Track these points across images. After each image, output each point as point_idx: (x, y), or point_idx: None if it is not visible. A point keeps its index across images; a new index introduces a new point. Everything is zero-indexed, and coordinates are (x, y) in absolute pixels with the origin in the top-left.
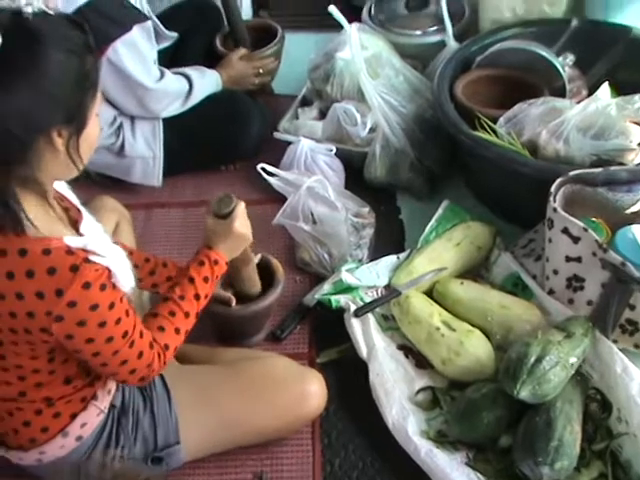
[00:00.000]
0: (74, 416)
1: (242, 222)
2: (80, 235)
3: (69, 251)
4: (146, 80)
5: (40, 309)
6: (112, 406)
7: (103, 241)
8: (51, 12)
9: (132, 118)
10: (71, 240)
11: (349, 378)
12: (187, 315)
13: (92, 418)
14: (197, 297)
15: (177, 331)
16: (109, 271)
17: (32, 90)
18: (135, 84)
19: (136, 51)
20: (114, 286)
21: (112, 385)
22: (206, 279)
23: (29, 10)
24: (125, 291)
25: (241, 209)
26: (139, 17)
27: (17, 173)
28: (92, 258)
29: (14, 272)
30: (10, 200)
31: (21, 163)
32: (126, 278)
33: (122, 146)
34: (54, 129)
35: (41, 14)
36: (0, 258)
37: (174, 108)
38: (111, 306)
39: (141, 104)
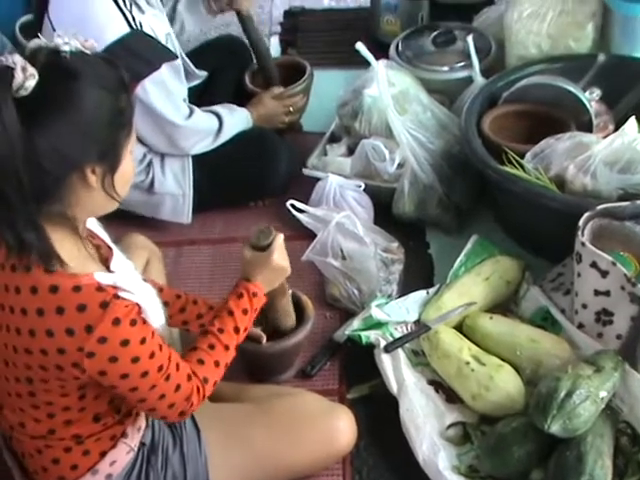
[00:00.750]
0: (103, 454)
1: (280, 254)
2: (110, 272)
3: (99, 288)
4: (175, 118)
5: (71, 345)
6: (142, 444)
7: (133, 278)
8: (88, 52)
9: (162, 155)
10: (101, 277)
11: (379, 414)
12: (227, 348)
13: (122, 456)
14: (237, 330)
15: (217, 364)
16: (139, 307)
17: (66, 126)
18: (164, 122)
19: (165, 89)
20: (144, 321)
21: (142, 423)
22: (245, 311)
23: (66, 49)
24: (155, 327)
25: (280, 241)
26: (168, 56)
27: (49, 209)
28: (122, 294)
29: (44, 309)
30: (40, 236)
31: (53, 199)
32: (156, 315)
33: (152, 183)
34: (88, 166)
35: (78, 53)
36: (31, 295)
37: (204, 145)
38: (143, 341)
39: (171, 142)
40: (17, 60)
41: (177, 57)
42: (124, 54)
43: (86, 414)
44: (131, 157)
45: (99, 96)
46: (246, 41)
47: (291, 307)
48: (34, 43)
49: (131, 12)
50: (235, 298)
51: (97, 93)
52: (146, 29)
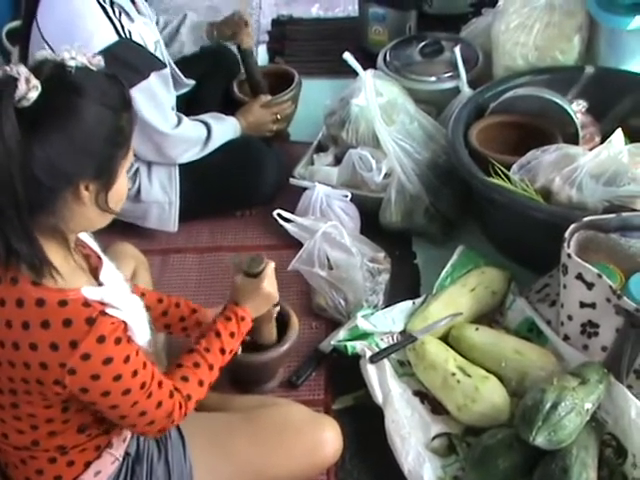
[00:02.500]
0: (88, 464)
1: (270, 282)
2: (99, 284)
3: (86, 303)
4: (163, 126)
5: (54, 360)
6: (126, 454)
7: (122, 292)
8: (93, 68)
9: (149, 164)
10: (89, 292)
11: (365, 425)
12: (211, 368)
13: (106, 466)
14: (222, 351)
15: (200, 383)
16: (125, 325)
17: (65, 141)
18: (152, 130)
19: (153, 98)
20: (129, 339)
21: (127, 433)
22: (232, 334)
23: (72, 64)
24: (140, 344)
25: (271, 269)
26: (157, 64)
27: (41, 221)
28: (109, 311)
29: (30, 322)
30: (33, 246)
31: (46, 212)
32: (142, 332)
33: (138, 191)
34: (82, 182)
35: (83, 69)
36: (17, 308)
37: (192, 154)
38: (126, 359)
39: (158, 150)
40: (22, 71)
41: (166, 66)
42: (112, 62)
43: (70, 425)
44: (125, 176)
45: (100, 113)
46: (234, 49)
47: (275, 330)
48: (40, 55)
49: (120, 21)
50: (223, 320)
51: (98, 110)
52: (135, 37)
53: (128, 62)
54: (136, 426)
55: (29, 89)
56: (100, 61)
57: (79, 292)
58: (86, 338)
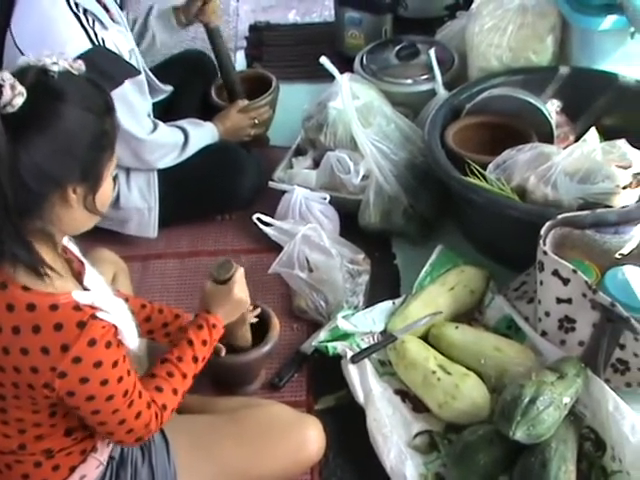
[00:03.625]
0: (73, 469)
1: (241, 287)
2: (84, 288)
3: (76, 307)
4: (139, 132)
5: (44, 364)
6: (111, 458)
7: (108, 295)
8: (75, 72)
9: (127, 170)
10: (79, 296)
11: (347, 424)
12: (184, 376)
13: (91, 470)
14: (195, 359)
15: (175, 392)
16: (115, 328)
17: (50, 145)
18: (129, 136)
19: (127, 104)
20: (119, 344)
21: None
22: (204, 342)
23: (54, 69)
24: (131, 347)
25: (240, 275)
26: (131, 71)
27: (30, 225)
28: (99, 315)
29: (20, 327)
30: (28, 249)
31: (35, 215)
32: (131, 335)
33: (117, 198)
34: (70, 185)
35: (66, 74)
36: (7, 313)
37: (170, 159)
38: (115, 364)
39: (136, 156)
40: (6, 77)
41: (140, 73)
42: (86, 70)
43: (57, 429)
44: (111, 179)
45: (84, 117)
46: (212, 54)
47: (249, 333)
48: (23, 61)
49: (93, 28)
50: (195, 329)
51: (82, 114)
52: (109, 45)
53: (102, 69)
54: (114, 434)
55: (14, 95)
56: (81, 65)
57: (70, 296)
58: (77, 342)
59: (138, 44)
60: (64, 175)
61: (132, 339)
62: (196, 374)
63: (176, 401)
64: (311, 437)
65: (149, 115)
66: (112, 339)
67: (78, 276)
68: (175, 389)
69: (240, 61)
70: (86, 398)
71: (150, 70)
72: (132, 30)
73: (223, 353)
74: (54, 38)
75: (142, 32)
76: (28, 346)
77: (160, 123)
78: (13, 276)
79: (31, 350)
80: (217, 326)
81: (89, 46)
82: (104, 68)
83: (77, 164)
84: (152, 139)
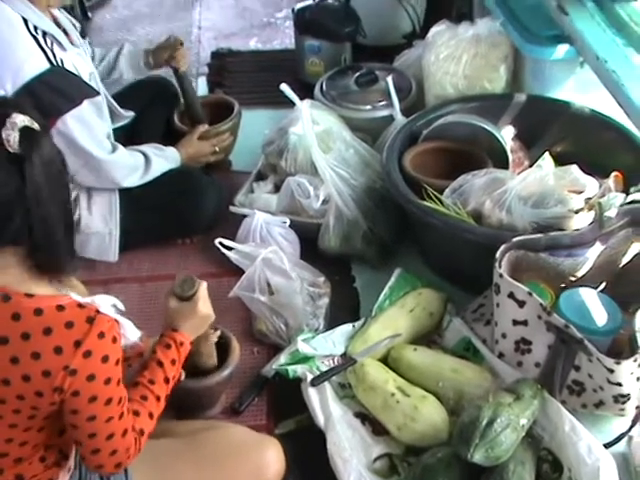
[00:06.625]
0: None
1: (205, 303)
2: None
3: (80, 305)
4: (97, 152)
5: (57, 364)
6: None
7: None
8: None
9: (88, 192)
10: (77, 296)
11: (308, 448)
12: (158, 399)
13: None
14: (167, 380)
15: (151, 416)
16: (117, 323)
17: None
18: (88, 156)
19: (87, 125)
20: (119, 342)
21: (71, 463)
22: (173, 362)
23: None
24: (133, 340)
25: (203, 289)
26: (90, 92)
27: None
28: (102, 310)
29: (30, 332)
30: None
31: None
32: (131, 327)
33: (78, 222)
34: None
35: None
36: (13, 322)
37: (133, 180)
38: (117, 362)
39: (95, 175)
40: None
41: (99, 93)
42: (44, 89)
43: (37, 451)
44: None
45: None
46: (173, 80)
47: (214, 349)
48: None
49: (52, 50)
50: (163, 348)
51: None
52: (68, 66)
53: (61, 89)
54: (99, 451)
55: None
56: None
57: (70, 297)
58: (88, 336)
59: (104, 79)
60: None
61: (132, 332)
62: (167, 395)
63: (152, 425)
64: (270, 458)
65: (109, 137)
66: (116, 334)
67: None
68: (151, 412)
69: (202, 87)
70: (89, 399)
71: (113, 96)
72: (99, 63)
73: (183, 377)
74: (12, 59)
75: (110, 69)
76: (40, 349)
77: (120, 146)
78: (17, 285)
79: (43, 353)
80: (184, 343)
81: (47, 66)
82: (63, 88)
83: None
84: (111, 159)
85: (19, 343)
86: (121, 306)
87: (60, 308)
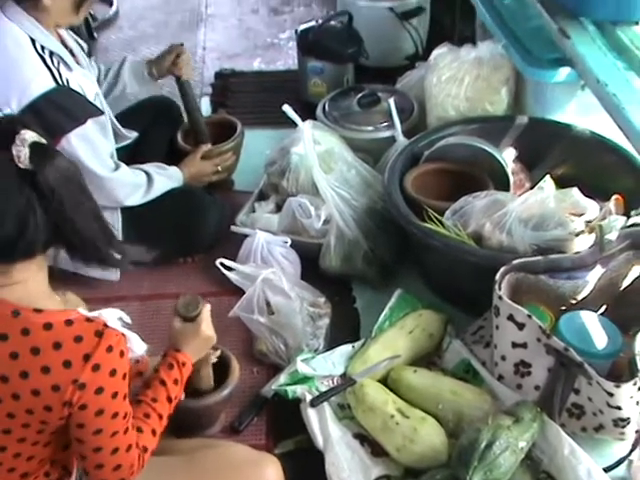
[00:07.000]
0: None
1: (208, 324)
2: None
3: (88, 319)
4: (100, 171)
5: (66, 378)
6: None
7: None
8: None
9: None
10: (84, 311)
11: (307, 468)
12: (161, 417)
13: None
14: (169, 399)
15: (154, 433)
16: (125, 337)
17: None
18: (91, 175)
19: (90, 143)
20: (126, 355)
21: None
22: (176, 381)
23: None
24: (139, 353)
25: (207, 311)
26: (94, 111)
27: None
28: (109, 324)
29: (40, 347)
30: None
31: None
32: (138, 342)
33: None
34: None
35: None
36: (23, 337)
37: (135, 199)
38: (124, 377)
39: (99, 192)
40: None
41: (103, 113)
42: (49, 107)
43: (42, 466)
44: None
45: None
46: (177, 100)
47: (211, 372)
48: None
49: (58, 69)
50: (166, 368)
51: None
52: (73, 86)
53: (66, 108)
54: (103, 467)
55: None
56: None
57: (77, 312)
58: (97, 349)
59: (108, 93)
60: None
61: (139, 345)
62: (170, 414)
63: (155, 443)
64: (270, 476)
65: (112, 156)
66: (124, 348)
67: None
68: (154, 430)
69: (205, 107)
70: (95, 412)
71: (117, 116)
72: (104, 79)
73: (182, 396)
74: (19, 77)
75: (114, 82)
76: (49, 363)
77: (122, 164)
78: (28, 300)
79: (53, 367)
80: (187, 364)
81: (53, 85)
82: (68, 107)
83: None
84: (114, 177)
85: (29, 358)
86: (127, 319)
87: (69, 322)
